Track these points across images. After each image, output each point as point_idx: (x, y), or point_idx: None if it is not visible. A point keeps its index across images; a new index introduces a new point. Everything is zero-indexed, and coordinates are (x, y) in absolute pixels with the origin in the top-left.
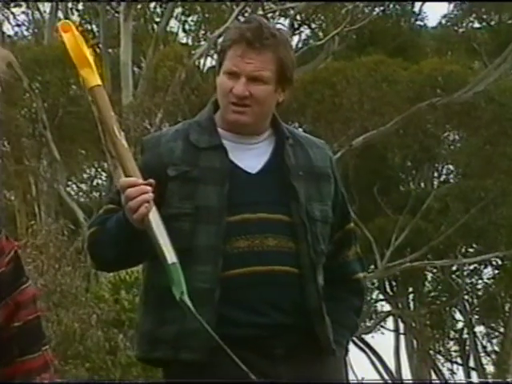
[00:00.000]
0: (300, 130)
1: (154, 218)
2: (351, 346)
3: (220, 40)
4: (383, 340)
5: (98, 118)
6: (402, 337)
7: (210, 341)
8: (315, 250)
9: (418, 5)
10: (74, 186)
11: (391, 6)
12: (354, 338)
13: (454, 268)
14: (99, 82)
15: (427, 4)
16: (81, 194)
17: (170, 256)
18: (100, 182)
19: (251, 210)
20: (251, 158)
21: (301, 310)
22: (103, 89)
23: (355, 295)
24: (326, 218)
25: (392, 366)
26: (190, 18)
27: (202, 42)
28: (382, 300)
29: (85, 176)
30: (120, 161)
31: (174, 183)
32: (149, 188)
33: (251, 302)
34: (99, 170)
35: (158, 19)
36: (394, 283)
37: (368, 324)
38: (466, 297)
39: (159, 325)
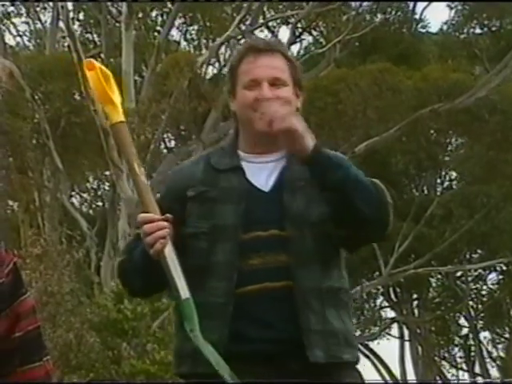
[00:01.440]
0: None
1: (169, 253)
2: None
3: (228, 65)
4: (388, 347)
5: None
6: (407, 343)
7: (225, 355)
8: (316, 256)
9: (419, 11)
10: (77, 195)
11: (393, 12)
12: (360, 346)
13: (459, 274)
14: (122, 118)
15: (428, 10)
16: (84, 203)
17: (184, 291)
18: (103, 191)
19: (263, 228)
20: (265, 176)
21: (293, 324)
22: (125, 125)
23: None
24: (328, 218)
25: (397, 372)
26: (191, 28)
27: (204, 51)
28: (386, 307)
29: (88, 186)
30: (139, 196)
31: (192, 203)
32: (165, 224)
33: (263, 317)
34: (102, 179)
35: (159, 28)
36: (398, 290)
37: (373, 331)
38: (471, 303)
39: (183, 342)
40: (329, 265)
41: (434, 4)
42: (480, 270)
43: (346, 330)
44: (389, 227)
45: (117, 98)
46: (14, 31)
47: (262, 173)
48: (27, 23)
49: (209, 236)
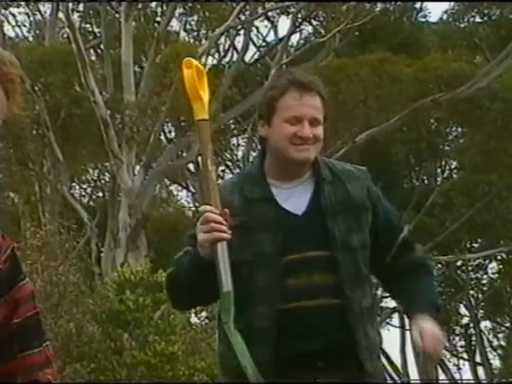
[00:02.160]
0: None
1: (222, 248)
2: None
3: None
4: (389, 336)
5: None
6: (407, 333)
7: (264, 371)
8: (357, 278)
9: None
10: (77, 187)
11: (393, 1)
12: None
13: (459, 263)
14: (206, 116)
15: None
16: (84, 194)
17: (227, 284)
18: (103, 182)
19: (298, 251)
20: (297, 199)
21: (344, 336)
22: (208, 124)
23: (428, 274)
24: (365, 245)
25: (398, 362)
26: (190, 18)
27: (203, 41)
28: (387, 297)
29: (88, 177)
30: (206, 190)
31: (235, 232)
32: (222, 219)
33: (300, 333)
34: (102, 170)
35: (158, 19)
36: None
37: None
38: (472, 292)
39: (226, 355)
40: (364, 283)
41: None
42: (480, 260)
43: (379, 342)
44: None
45: (206, 96)
46: (13, 22)
47: (294, 197)
48: (26, 14)
49: (250, 263)
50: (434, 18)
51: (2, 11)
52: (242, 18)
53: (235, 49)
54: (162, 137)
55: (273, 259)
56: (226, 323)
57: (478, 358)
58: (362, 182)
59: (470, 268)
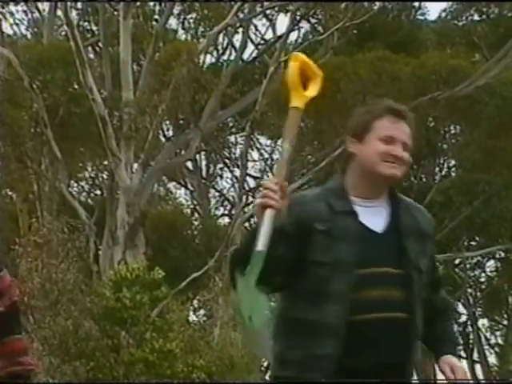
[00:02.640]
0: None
1: (270, 214)
2: None
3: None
4: None
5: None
6: None
7: (331, 365)
8: (420, 298)
9: None
10: (75, 184)
11: (391, 0)
12: None
13: (457, 261)
14: (300, 106)
15: None
16: (82, 192)
17: (262, 244)
18: (101, 180)
19: (378, 265)
20: (376, 218)
21: (404, 351)
22: (299, 112)
23: (452, 319)
24: (427, 269)
25: None
26: (189, 16)
27: (201, 40)
28: None
29: (86, 175)
30: (278, 168)
31: (319, 236)
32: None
33: (374, 343)
34: (101, 168)
35: (157, 17)
36: None
37: None
38: (470, 290)
39: (288, 349)
40: (420, 305)
41: None
42: (479, 258)
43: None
44: None
45: (308, 91)
46: (11, 20)
47: (373, 215)
48: (25, 12)
49: (330, 266)
50: (432, 16)
51: (0, 9)
52: (241, 16)
53: (233, 47)
54: (161, 135)
55: (350, 268)
56: (244, 275)
57: (475, 356)
58: (426, 215)
59: (468, 266)
